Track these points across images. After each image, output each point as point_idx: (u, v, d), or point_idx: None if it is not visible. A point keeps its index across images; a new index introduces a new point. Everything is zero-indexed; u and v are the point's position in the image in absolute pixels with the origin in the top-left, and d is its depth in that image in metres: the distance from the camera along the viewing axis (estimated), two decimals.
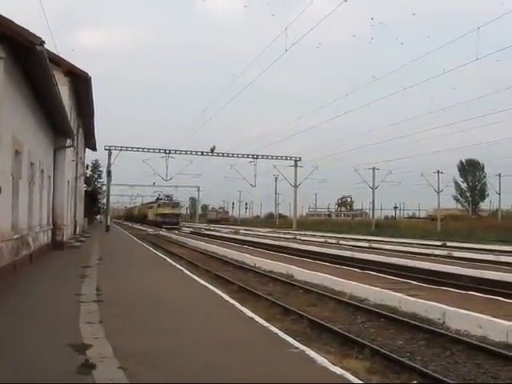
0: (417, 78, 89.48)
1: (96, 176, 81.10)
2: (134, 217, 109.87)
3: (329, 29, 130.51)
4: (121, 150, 52.51)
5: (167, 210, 77.28)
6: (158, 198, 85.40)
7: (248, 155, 57.77)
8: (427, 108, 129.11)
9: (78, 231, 35.33)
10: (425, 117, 71.84)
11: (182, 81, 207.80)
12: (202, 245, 31.73)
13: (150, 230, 57.03)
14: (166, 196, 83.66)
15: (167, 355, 6.33)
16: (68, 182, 27.04)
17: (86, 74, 23.93)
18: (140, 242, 33.59)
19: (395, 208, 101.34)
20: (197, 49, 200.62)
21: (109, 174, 53.33)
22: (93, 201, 64.79)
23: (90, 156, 57.08)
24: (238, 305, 10.21)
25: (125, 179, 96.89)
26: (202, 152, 55.70)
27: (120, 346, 6.50)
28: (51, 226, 22.78)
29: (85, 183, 48.53)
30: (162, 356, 6.28)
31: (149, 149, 54.86)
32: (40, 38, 11.42)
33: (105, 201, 66.81)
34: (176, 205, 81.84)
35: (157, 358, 6.19)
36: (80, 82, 24.49)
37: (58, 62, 21.49)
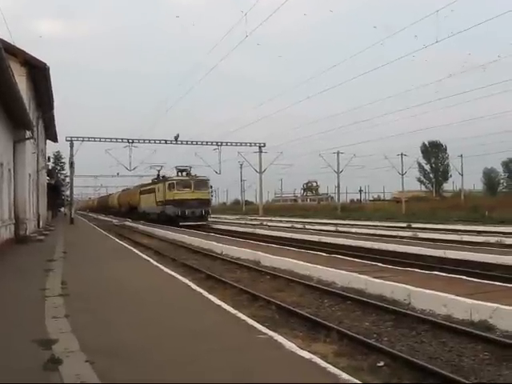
0: (378, 62, 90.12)
1: (59, 168, 79.99)
2: (111, 208, 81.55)
3: (290, 15, 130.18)
4: (83, 140, 51.69)
5: (187, 194, 43.03)
6: (158, 176, 53.73)
7: (212, 142, 57.57)
8: (390, 92, 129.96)
9: (41, 225, 34.81)
10: (386, 100, 72.21)
11: (143, 68, 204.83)
12: (170, 234, 31.56)
13: (116, 221, 56.35)
14: (180, 170, 47.52)
15: (134, 347, 6.27)
16: (29, 174, 26.57)
17: (44, 63, 23.48)
18: (105, 233, 33.20)
19: (360, 191, 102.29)
20: (159, 35, 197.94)
21: (71, 165, 52.52)
22: (56, 193, 63.62)
23: (52, 147, 56.21)
24: (205, 293, 10.18)
25: (88, 170, 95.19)
26: (166, 141, 55.25)
27: (87, 340, 6.42)
28: (13, 221, 22.37)
29: (47, 175, 47.77)
30: (129, 348, 6.23)
31: (111, 138, 54.12)
32: None
33: (68, 193, 65.86)
34: (202, 183, 44.99)
35: (124, 350, 6.13)
36: (38, 72, 24.01)
37: (13, 52, 21.04)
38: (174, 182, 44.43)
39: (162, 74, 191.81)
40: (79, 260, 16.63)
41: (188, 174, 46.33)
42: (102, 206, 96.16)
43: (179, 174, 46.84)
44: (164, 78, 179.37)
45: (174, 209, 42.54)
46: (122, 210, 69.29)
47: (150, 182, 56.08)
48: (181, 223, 40.26)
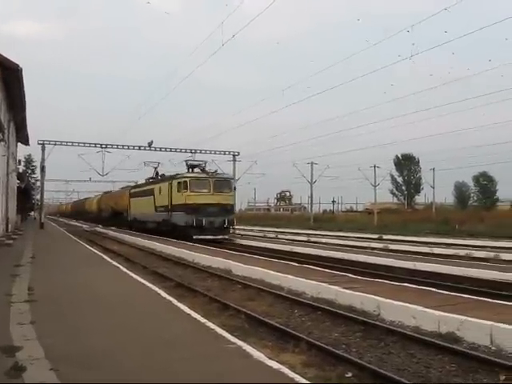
0: (353, 74, 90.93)
1: (29, 171, 78.82)
2: (88, 213, 73.15)
3: (267, 25, 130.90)
4: (55, 144, 50.94)
5: (205, 198, 31.92)
6: (157, 175, 44.01)
7: (186, 150, 57.33)
8: (365, 103, 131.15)
9: (10, 229, 34.31)
10: (361, 112, 72.93)
11: (118, 73, 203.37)
12: (140, 241, 31.31)
13: (86, 227, 55.70)
14: (192, 165, 36.47)
15: (102, 355, 6.20)
16: None
17: (17, 65, 23.20)
18: (75, 238, 32.82)
19: (333, 202, 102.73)
20: (136, 41, 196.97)
21: (42, 169, 51.69)
22: (26, 197, 62.73)
23: (23, 150, 55.48)
24: (175, 301, 10.12)
25: (60, 174, 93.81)
26: (140, 147, 54.84)
27: (52, 347, 6.33)
28: None
29: (17, 179, 47.07)
30: (96, 356, 6.15)
31: (84, 143, 53.41)
32: None
33: (39, 197, 64.93)
34: (225, 183, 34.11)
35: (91, 358, 6.06)
36: (11, 74, 23.70)
37: None
38: (187, 180, 32.43)
39: (140, 80, 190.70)
40: (48, 265, 16.40)
41: (203, 171, 34.66)
42: (77, 211, 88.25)
43: (190, 170, 35.53)
44: (142, 84, 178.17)
45: (186, 217, 30.93)
46: (102, 216, 60.70)
47: (144, 181, 45.87)
48: (195, 236, 29.74)
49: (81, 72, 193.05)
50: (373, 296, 10.48)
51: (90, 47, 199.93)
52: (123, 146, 54.41)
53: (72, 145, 52.20)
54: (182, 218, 31.81)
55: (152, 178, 44.48)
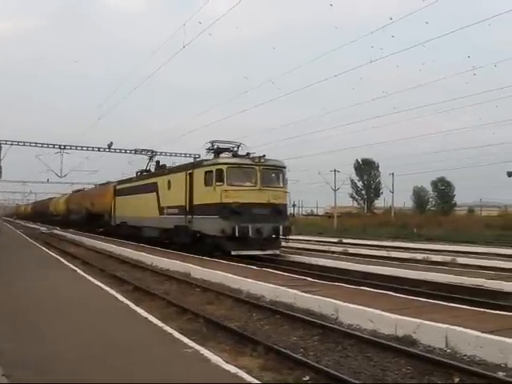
0: (316, 77, 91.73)
1: None
2: (54, 215, 64.57)
3: (230, 28, 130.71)
4: (12, 144, 50.00)
5: (250, 194, 21.53)
6: (158, 164, 35.50)
7: (147, 151, 56.88)
8: (325, 108, 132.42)
9: None
10: (320, 117, 73.44)
11: (79, 71, 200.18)
12: (99, 244, 30.87)
13: (44, 229, 54.63)
14: (220, 150, 24.55)
15: (56, 360, 6.08)
16: None
17: None
18: (32, 241, 32.23)
19: (294, 205, 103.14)
20: (96, 40, 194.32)
21: None
22: None
23: None
24: (132, 305, 10.00)
25: (17, 175, 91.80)
26: (99, 148, 54.14)
27: (4, 352, 6.17)
28: None
29: None
30: (50, 361, 6.02)
31: (42, 144, 52.49)
32: None
33: None
34: (276, 174, 23.11)
35: (45, 362, 5.92)
36: None
37: None
38: (224, 168, 21.74)
39: (102, 78, 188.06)
40: (1, 268, 16.01)
41: (243, 156, 23.43)
42: (39, 213, 78.84)
43: (215, 156, 24.32)
44: (105, 83, 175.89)
45: (223, 223, 20.83)
46: (72, 219, 52.37)
47: (136, 176, 35.54)
48: (234, 252, 20.71)
49: (41, 73, 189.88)
50: (331, 299, 10.51)
51: (50, 44, 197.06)
52: (82, 147, 53.62)
53: (30, 145, 51.22)
54: (213, 224, 21.01)
55: (146, 170, 35.00)
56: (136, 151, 40.80)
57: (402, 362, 7.32)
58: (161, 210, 26.96)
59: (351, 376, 6.69)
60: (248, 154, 23.30)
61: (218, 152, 24.35)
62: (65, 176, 54.88)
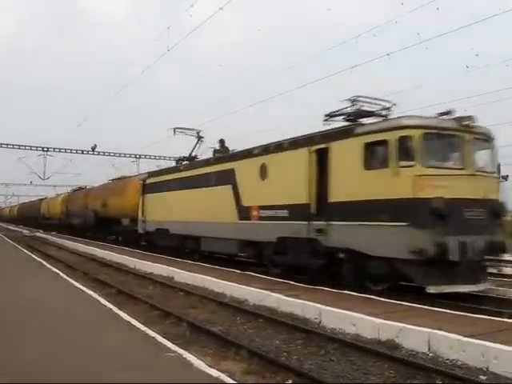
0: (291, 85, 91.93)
1: None
2: (46, 218, 56.91)
3: (215, 32, 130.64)
4: None
5: (464, 186, 11.71)
6: (222, 145, 22.88)
7: (130, 155, 56.65)
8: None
9: None
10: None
11: (66, 75, 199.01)
12: (82, 247, 30.64)
13: (26, 232, 54.09)
14: (373, 112, 13.99)
15: (38, 365, 6.01)
16: None
17: None
18: (14, 243, 31.92)
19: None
20: (82, 45, 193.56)
21: None
22: None
23: None
24: (115, 309, 9.95)
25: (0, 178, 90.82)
26: (83, 151, 53.83)
27: None
28: None
29: None
30: (31, 367, 5.95)
31: (25, 146, 52.12)
32: None
33: None
34: (486, 151, 12.90)
35: (24, 368, 5.86)
36: None
37: None
38: (416, 132, 11.83)
39: (91, 82, 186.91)
40: None
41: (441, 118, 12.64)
42: (27, 217, 71.37)
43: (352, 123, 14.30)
44: (91, 87, 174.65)
45: (422, 236, 11.33)
46: (72, 224, 43.92)
47: (191, 162, 24.82)
48: (434, 289, 11.61)
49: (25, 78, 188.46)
50: (314, 303, 10.52)
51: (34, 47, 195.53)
52: (66, 149, 53.31)
53: (13, 147, 50.79)
54: (392, 237, 11.85)
55: (191, 157, 25.75)
56: (175, 130, 24.58)
57: (384, 366, 7.35)
58: (242, 211, 17.87)
59: (334, 380, 6.70)
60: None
61: (356, 117, 14.41)
62: (48, 178, 54.53)
